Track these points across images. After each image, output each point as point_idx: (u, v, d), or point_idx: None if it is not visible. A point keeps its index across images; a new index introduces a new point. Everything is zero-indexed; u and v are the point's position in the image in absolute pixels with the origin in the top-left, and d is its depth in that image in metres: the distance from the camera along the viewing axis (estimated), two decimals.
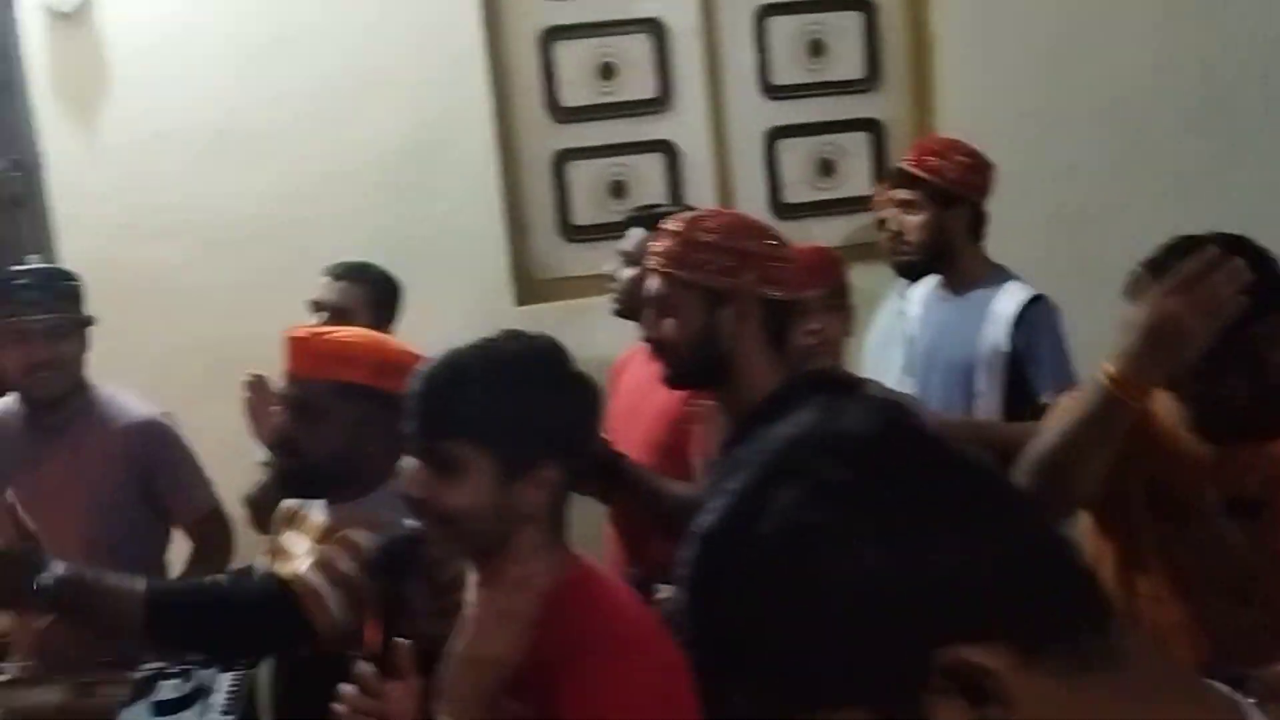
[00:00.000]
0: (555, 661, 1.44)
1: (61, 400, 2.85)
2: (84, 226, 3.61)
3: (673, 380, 2.09)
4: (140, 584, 1.89)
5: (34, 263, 3.66)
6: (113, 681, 2.23)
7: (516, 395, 1.49)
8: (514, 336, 1.57)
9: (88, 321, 2.91)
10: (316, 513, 2.19)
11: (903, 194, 3.00)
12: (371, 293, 2.92)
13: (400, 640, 1.47)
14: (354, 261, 2.97)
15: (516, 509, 1.48)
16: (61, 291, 2.84)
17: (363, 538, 1.98)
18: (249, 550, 2.89)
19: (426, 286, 3.65)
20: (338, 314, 2.85)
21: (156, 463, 2.88)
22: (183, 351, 3.57)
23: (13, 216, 3.85)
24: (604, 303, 3.01)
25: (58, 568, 1.83)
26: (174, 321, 3.63)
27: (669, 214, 2.85)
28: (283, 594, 1.91)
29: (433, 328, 3.77)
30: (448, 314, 3.23)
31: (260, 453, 2.97)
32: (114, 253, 3.60)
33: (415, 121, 3.72)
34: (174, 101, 3.61)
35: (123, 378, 3.54)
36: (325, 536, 2.09)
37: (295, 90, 3.66)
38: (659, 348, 2.05)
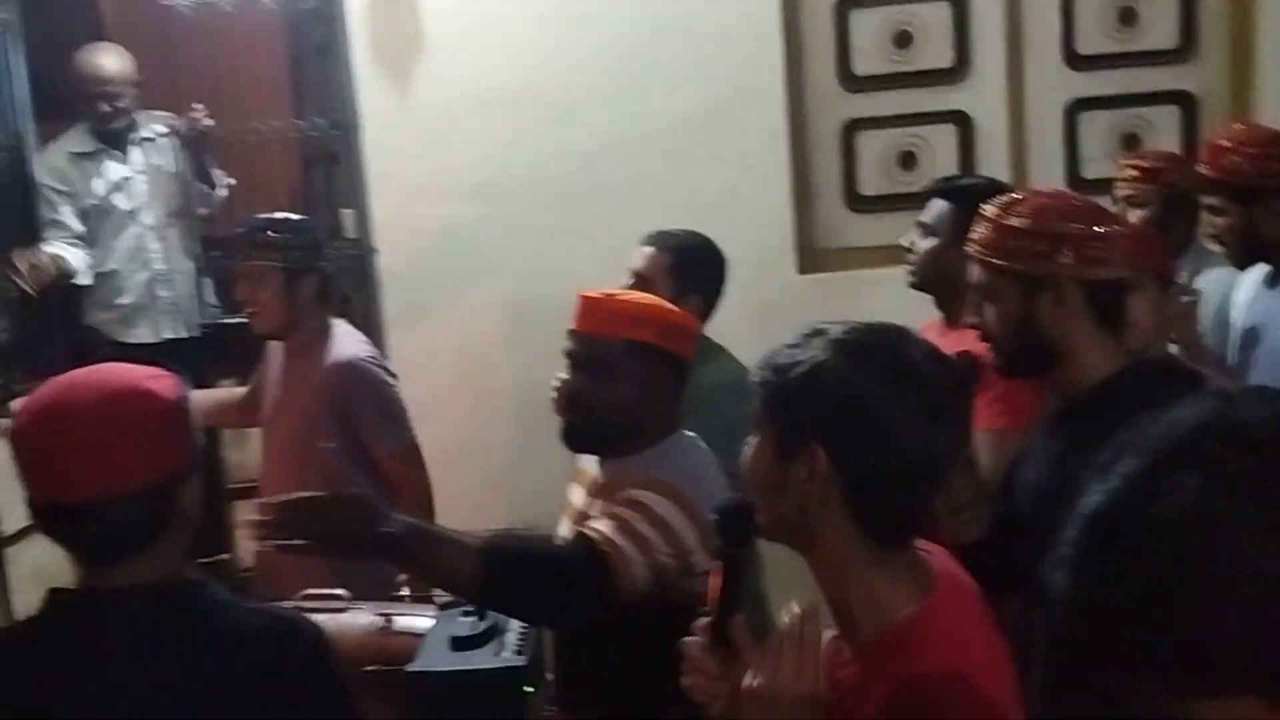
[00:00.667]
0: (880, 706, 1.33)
1: (290, 337, 3.06)
2: (393, 184, 3.81)
3: (1001, 368, 2.04)
4: (477, 540, 1.91)
5: (347, 218, 3.91)
6: (412, 613, 2.36)
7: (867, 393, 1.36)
8: (876, 329, 1.43)
9: (300, 271, 3.03)
10: (591, 466, 2.27)
11: (1209, 200, 2.91)
12: (673, 260, 2.94)
13: (737, 616, 1.43)
14: (668, 230, 3.00)
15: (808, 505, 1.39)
16: (258, 241, 3.01)
17: (650, 499, 2.03)
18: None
19: None
20: (638, 280, 2.89)
21: (351, 400, 3.01)
22: (483, 308, 3.74)
23: (329, 173, 4.12)
24: (889, 274, 2.98)
25: (401, 517, 1.87)
26: (475, 278, 3.80)
27: (971, 186, 2.81)
28: (595, 558, 1.93)
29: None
30: (729, 280, 3.26)
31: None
32: (420, 210, 3.80)
33: (709, 88, 3.76)
34: (483, 64, 3.76)
35: (424, 331, 3.76)
36: (601, 492, 2.16)
37: (596, 56, 3.75)
38: (985, 336, 2.02)
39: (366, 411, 3.02)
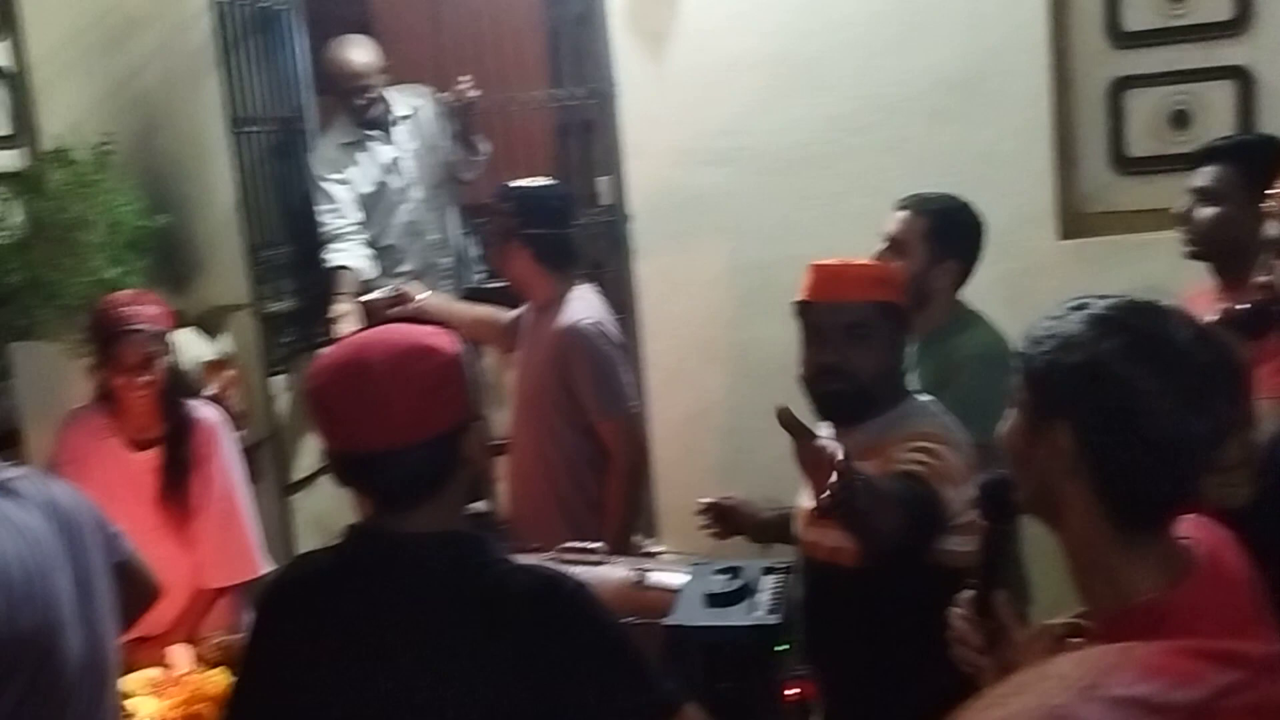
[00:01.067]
0: None
1: (534, 298, 3.18)
2: (648, 151, 3.87)
3: None
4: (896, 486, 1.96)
5: (602, 185, 4.00)
6: (665, 569, 2.42)
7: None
8: (1141, 307, 1.35)
9: (525, 234, 3.14)
10: (826, 439, 2.27)
11: None
12: (930, 225, 2.89)
13: (1001, 591, 1.42)
14: (924, 194, 2.95)
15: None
16: (499, 208, 3.17)
17: (933, 445, 2.05)
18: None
19: None
20: (892, 245, 2.86)
21: (571, 365, 3.07)
22: (734, 273, 3.77)
23: (586, 141, 4.23)
24: (1157, 239, 2.84)
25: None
26: (725, 244, 3.84)
27: (1256, 143, 2.65)
28: (928, 492, 1.98)
29: None
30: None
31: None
32: (673, 177, 3.85)
33: (969, 49, 3.67)
34: (740, 30, 3.77)
35: (674, 295, 3.81)
36: (868, 455, 2.12)
37: (854, 18, 3.71)
38: (1275, 294, 1.92)
39: (585, 376, 3.08)
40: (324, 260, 4.08)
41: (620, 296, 3.81)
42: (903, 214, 2.89)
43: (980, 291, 2.90)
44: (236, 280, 3.90)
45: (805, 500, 2.29)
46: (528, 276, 3.17)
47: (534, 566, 1.78)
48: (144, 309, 2.99)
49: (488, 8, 4.70)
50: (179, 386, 3.06)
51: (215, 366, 3.74)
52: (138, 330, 2.93)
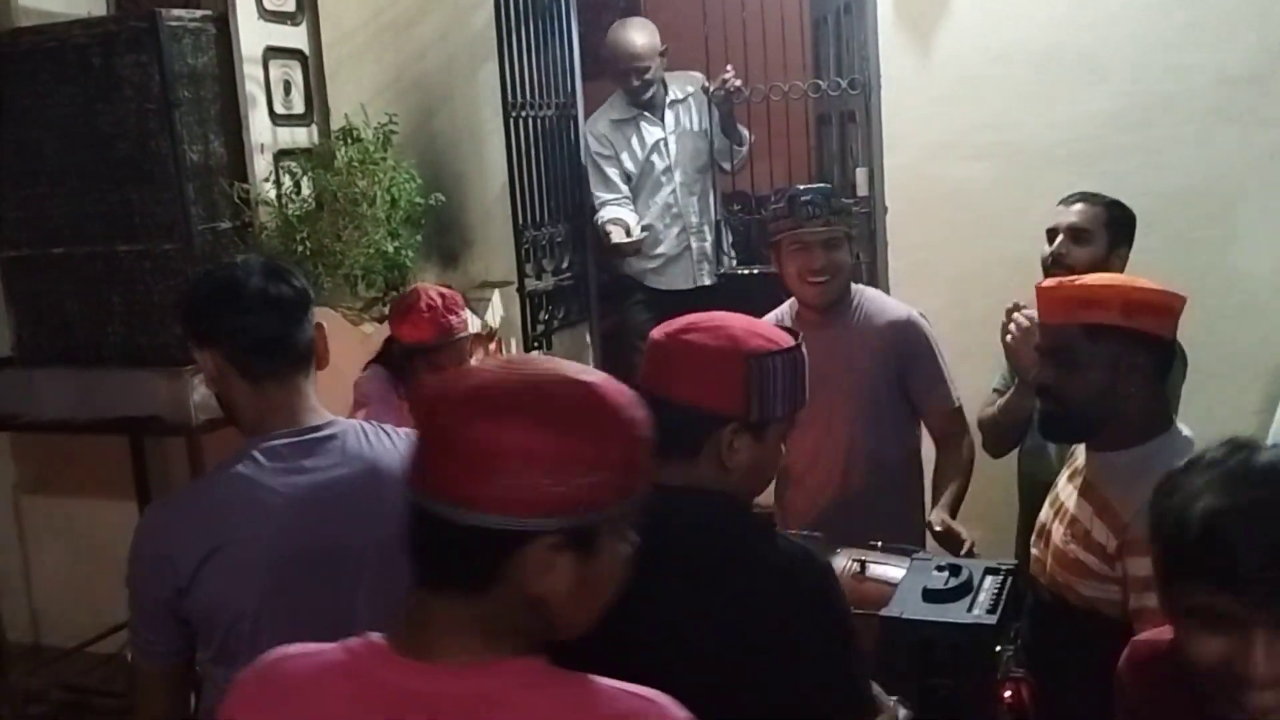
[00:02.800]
0: None
1: (833, 302, 3.09)
2: (907, 143, 3.83)
3: None
4: None
5: (860, 176, 3.98)
6: (886, 562, 2.40)
7: None
8: None
9: (854, 236, 3.13)
10: (1081, 456, 2.23)
11: None
12: (1107, 214, 2.91)
13: None
14: (1083, 190, 3.01)
15: None
16: (836, 207, 3.05)
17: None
18: None
19: (1245, 216, 3.45)
20: (1075, 234, 2.91)
21: (908, 358, 3.06)
22: (988, 269, 3.69)
23: (846, 132, 4.21)
24: None
25: None
26: (982, 240, 3.76)
27: None
28: None
29: (1245, 257, 3.56)
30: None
31: (998, 378, 3.08)
32: (931, 169, 3.80)
33: (1252, 43, 3.47)
34: (1009, 22, 3.68)
35: (926, 288, 3.76)
36: (1086, 494, 2.14)
37: (1129, 11, 3.57)
38: None
39: (922, 368, 3.08)
40: (598, 220, 4.27)
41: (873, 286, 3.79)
42: (1080, 205, 2.95)
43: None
44: (503, 258, 4.08)
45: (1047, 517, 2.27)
46: (838, 276, 3.10)
47: (790, 540, 1.81)
48: (457, 318, 3.32)
49: None
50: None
51: (480, 339, 3.93)
52: (461, 339, 3.33)
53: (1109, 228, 2.92)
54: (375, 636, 1.25)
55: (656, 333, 1.77)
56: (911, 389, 3.09)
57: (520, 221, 3.98)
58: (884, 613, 2.08)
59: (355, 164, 3.84)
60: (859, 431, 3.06)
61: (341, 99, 4.13)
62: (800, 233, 2.99)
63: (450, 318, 3.30)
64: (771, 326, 1.83)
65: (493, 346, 3.96)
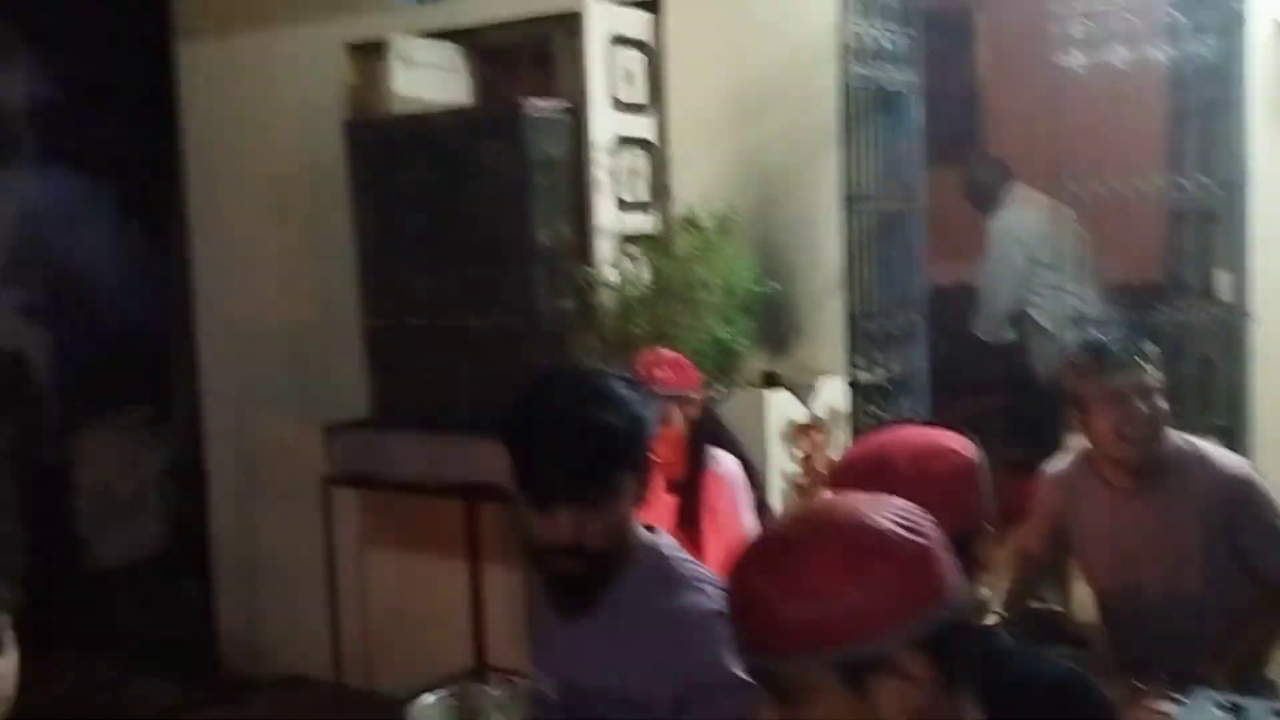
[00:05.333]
0: None
1: (1154, 460, 2.78)
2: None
3: None
4: None
5: (1221, 280, 3.74)
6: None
7: None
8: None
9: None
10: None
11: None
12: None
13: None
14: None
15: None
16: (1149, 352, 2.75)
17: None
18: None
19: None
20: None
21: (1241, 521, 2.74)
22: None
23: (1205, 231, 3.97)
24: None
25: None
26: None
27: None
28: None
29: None
30: None
31: None
32: None
33: None
34: None
35: None
36: None
37: None
38: None
39: (1259, 531, 2.74)
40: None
41: (1232, 405, 3.54)
42: None
43: None
44: (833, 348, 4.06)
45: None
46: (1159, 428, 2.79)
47: (1059, 661, 1.72)
48: (664, 372, 3.24)
49: (1108, 89, 4.55)
50: (701, 440, 3.25)
51: (804, 429, 3.92)
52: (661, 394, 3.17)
53: None
54: None
55: (845, 477, 1.70)
56: (1244, 554, 2.75)
57: (853, 311, 3.95)
58: None
59: (695, 251, 3.93)
60: (1185, 598, 2.75)
61: (684, 186, 4.24)
62: (1115, 385, 2.69)
63: (651, 372, 3.20)
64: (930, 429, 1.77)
65: (819, 437, 3.93)
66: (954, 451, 1.69)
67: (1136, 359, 2.72)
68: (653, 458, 1.82)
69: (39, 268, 6.02)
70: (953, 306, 5.43)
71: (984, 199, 5.40)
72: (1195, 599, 2.74)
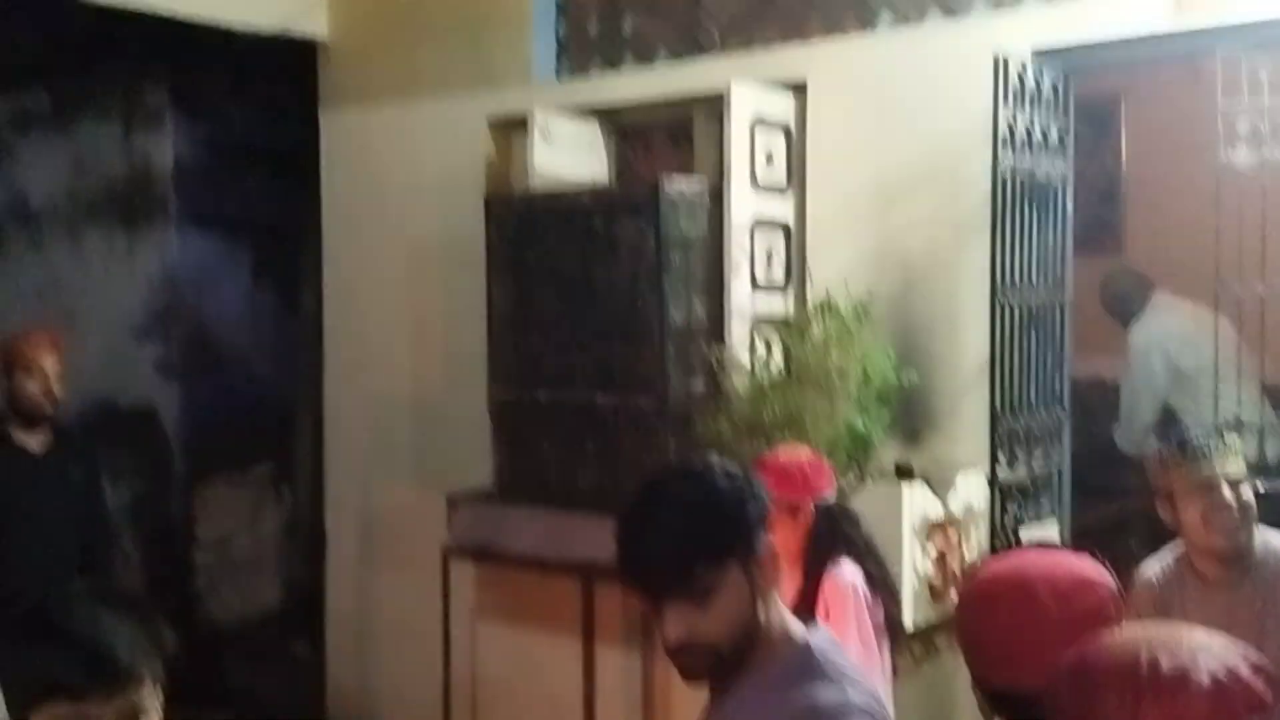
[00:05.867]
0: None
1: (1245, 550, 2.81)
2: None
3: None
4: None
5: None
6: None
7: None
8: None
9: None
10: None
11: None
12: None
13: None
14: None
15: None
16: (1229, 441, 2.85)
17: None
18: None
19: None
20: None
21: None
22: None
23: None
24: None
25: None
26: None
27: None
28: None
29: None
30: None
31: None
32: None
33: None
34: None
35: None
36: None
37: None
38: None
39: None
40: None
41: None
42: None
43: None
44: (972, 443, 3.91)
45: None
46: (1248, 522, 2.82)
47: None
48: (792, 474, 3.19)
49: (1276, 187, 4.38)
50: (822, 545, 3.17)
51: (940, 527, 3.78)
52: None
53: None
54: None
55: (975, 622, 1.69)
56: None
57: (997, 407, 3.81)
58: None
59: (831, 337, 3.84)
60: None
61: (822, 270, 4.16)
62: (1201, 475, 2.76)
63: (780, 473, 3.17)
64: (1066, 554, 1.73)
65: (955, 536, 3.79)
66: (1095, 584, 1.63)
67: (1221, 449, 2.78)
68: (773, 546, 1.79)
69: (176, 326, 6.17)
70: (1097, 403, 5.25)
71: (1123, 310, 5.29)
72: None
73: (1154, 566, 2.99)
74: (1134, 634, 1.21)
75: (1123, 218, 5.97)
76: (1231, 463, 2.78)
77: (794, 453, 3.33)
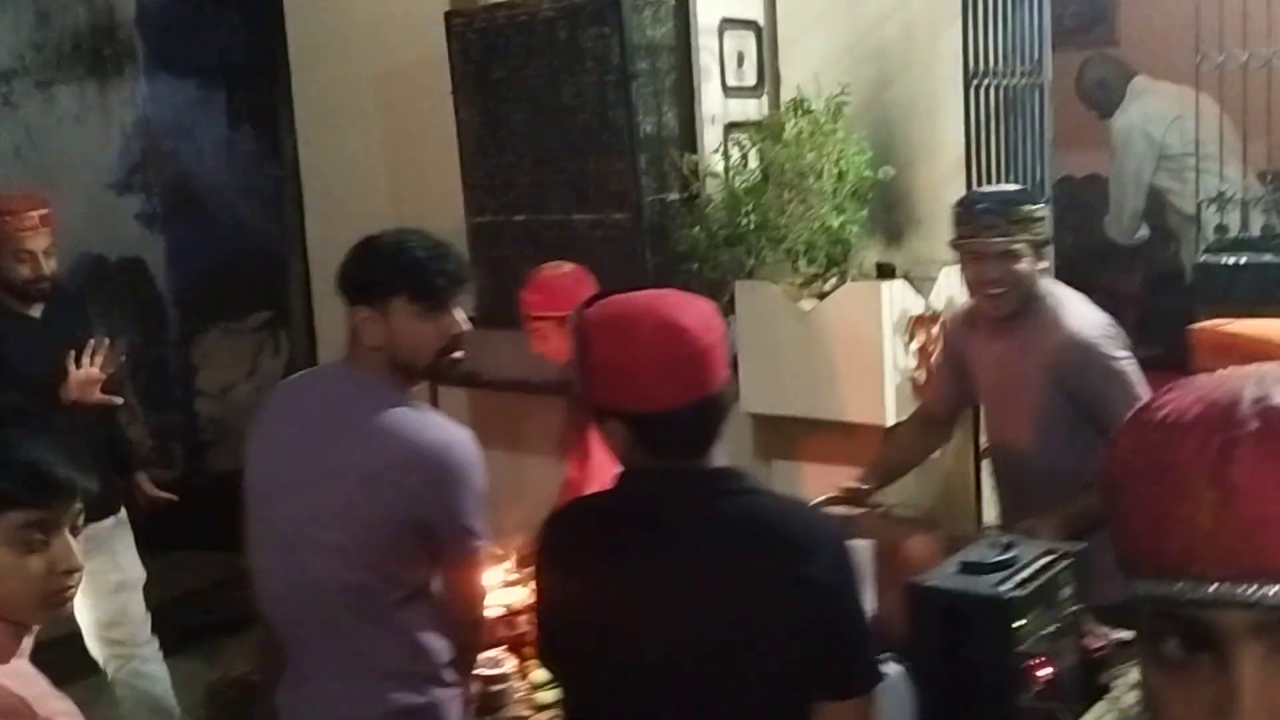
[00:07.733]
0: None
1: (1008, 315, 2.95)
2: None
3: None
4: None
5: None
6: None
7: None
8: None
9: (1043, 243, 2.94)
10: None
11: None
12: None
13: None
14: None
15: None
16: (1015, 215, 2.87)
17: None
18: None
19: None
20: None
21: (1079, 381, 2.85)
22: None
23: None
24: None
25: None
26: None
27: None
28: None
29: None
30: None
31: None
32: None
33: None
34: None
35: None
36: None
37: None
38: None
39: (1094, 390, 2.82)
40: None
41: None
42: None
43: None
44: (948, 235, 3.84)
45: None
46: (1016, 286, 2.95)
47: (798, 502, 1.95)
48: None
49: None
50: None
51: (921, 321, 3.74)
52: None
53: None
54: None
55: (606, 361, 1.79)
56: (1089, 411, 2.82)
57: None
58: (910, 579, 2.17)
59: (805, 136, 3.74)
60: (1040, 450, 2.92)
61: (794, 69, 4.04)
62: (974, 242, 2.91)
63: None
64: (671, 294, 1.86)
65: (935, 330, 3.75)
66: (689, 332, 1.75)
67: (1001, 222, 2.86)
68: None
69: (156, 176, 6.09)
70: (1082, 198, 5.17)
71: (1104, 99, 5.17)
72: (1046, 454, 2.90)
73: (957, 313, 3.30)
74: (1227, 372, 0.84)
75: (1116, 6, 5.80)
76: (1007, 238, 2.86)
77: (558, 268, 3.38)
